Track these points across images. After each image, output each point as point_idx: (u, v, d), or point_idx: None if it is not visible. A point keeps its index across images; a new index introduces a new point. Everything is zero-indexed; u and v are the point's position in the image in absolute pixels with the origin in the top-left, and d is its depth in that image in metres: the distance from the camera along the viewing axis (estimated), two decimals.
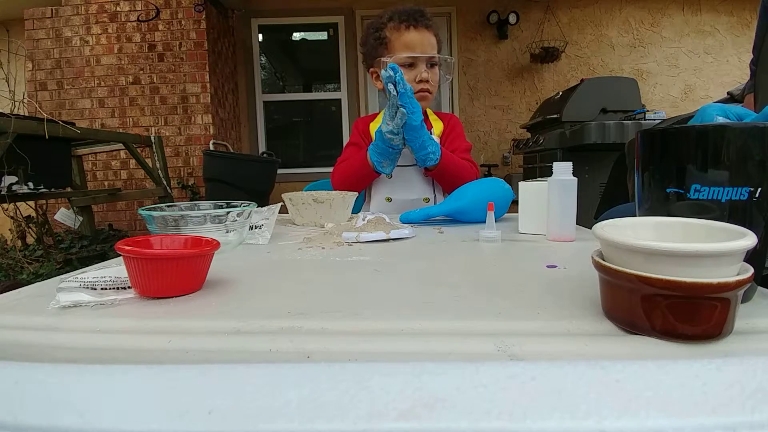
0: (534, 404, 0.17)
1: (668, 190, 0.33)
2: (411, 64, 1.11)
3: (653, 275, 0.25)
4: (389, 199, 1.15)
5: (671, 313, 0.26)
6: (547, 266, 0.48)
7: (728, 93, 1.52)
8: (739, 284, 0.25)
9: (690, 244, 0.25)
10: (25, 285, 0.45)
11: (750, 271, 0.26)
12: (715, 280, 0.25)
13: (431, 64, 1.13)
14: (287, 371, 0.20)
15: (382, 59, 1.10)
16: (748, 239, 0.26)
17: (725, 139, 0.31)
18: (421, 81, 1.10)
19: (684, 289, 0.25)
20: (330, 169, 1.21)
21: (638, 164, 0.37)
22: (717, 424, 0.15)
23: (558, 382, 0.18)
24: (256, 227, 0.67)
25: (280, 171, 3.57)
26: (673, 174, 0.33)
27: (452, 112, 4.26)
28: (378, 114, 1.26)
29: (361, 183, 1.10)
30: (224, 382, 0.19)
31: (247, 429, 0.16)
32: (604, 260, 0.30)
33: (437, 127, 1.21)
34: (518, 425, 0.16)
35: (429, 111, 1.24)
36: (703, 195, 0.32)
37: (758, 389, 0.17)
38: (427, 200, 1.15)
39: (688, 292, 0.25)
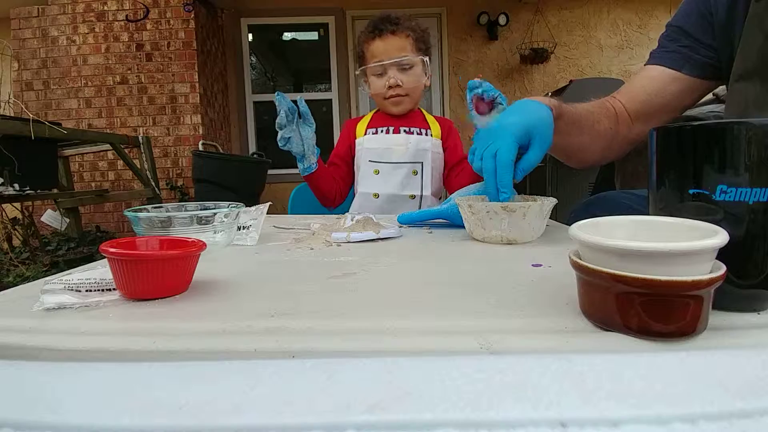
0: (498, 396, 0.17)
1: (691, 192, 0.31)
2: (382, 73, 1.16)
3: (627, 273, 0.26)
4: (377, 195, 1.18)
5: (645, 311, 0.26)
6: (533, 265, 0.48)
7: (713, 94, 1.53)
8: (711, 282, 0.26)
9: (662, 243, 0.26)
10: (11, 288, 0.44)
11: (722, 269, 0.27)
12: (689, 278, 0.25)
13: (403, 66, 1.15)
14: (261, 368, 0.20)
15: (356, 73, 1.25)
16: (719, 237, 0.27)
17: (755, 137, 0.29)
18: (391, 87, 1.15)
19: (657, 286, 0.25)
20: None
21: (656, 163, 0.34)
22: (675, 415, 0.16)
23: (524, 375, 0.18)
24: (244, 228, 0.67)
25: (270, 171, 3.55)
26: (698, 174, 0.31)
27: (443, 112, 4.28)
28: (366, 115, 1.28)
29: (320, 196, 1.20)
30: (197, 378, 0.19)
31: (217, 423, 0.16)
32: (581, 259, 0.30)
33: (435, 128, 1.23)
34: (481, 416, 0.16)
35: (424, 111, 1.28)
36: (729, 197, 0.30)
37: (719, 382, 0.18)
38: (413, 197, 1.16)
39: (662, 290, 0.26)
